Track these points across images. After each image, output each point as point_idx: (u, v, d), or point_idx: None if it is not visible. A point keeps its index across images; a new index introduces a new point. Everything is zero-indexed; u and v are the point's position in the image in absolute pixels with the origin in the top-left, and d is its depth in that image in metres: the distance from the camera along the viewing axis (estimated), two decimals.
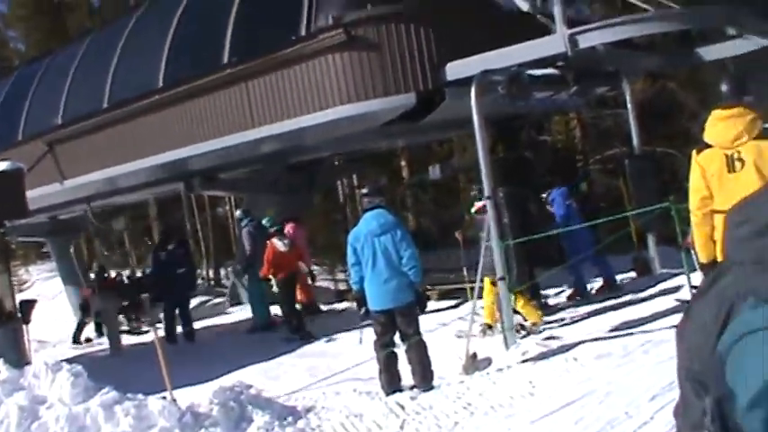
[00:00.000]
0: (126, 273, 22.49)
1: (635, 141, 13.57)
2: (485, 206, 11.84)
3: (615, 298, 12.94)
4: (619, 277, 14.11)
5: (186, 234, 23.96)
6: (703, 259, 6.48)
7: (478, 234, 12.18)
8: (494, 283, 11.56)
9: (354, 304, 10.81)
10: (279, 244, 15.08)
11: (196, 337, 16.58)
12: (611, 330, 10.96)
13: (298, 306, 15.84)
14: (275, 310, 16.16)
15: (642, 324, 11.06)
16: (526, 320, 11.83)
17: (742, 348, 1.24)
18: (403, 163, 24.92)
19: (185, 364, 13.02)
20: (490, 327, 12.02)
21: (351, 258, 9.66)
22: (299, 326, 15.06)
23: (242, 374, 12.15)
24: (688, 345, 1.40)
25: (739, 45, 12.48)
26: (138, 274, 23.91)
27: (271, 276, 15.13)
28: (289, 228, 16.18)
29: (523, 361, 10.00)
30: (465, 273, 13.85)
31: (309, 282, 16.97)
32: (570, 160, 21.42)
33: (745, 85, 6.78)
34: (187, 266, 17.36)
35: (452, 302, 14.82)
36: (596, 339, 10.48)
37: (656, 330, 10.44)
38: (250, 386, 10.28)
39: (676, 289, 12.14)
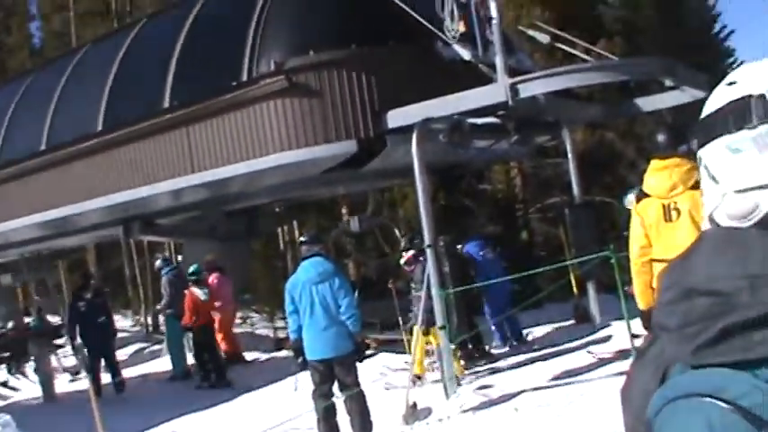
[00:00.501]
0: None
1: (575, 190, 13.66)
2: (413, 257, 11.92)
3: (554, 347, 12.93)
4: (558, 325, 14.11)
5: (101, 283, 23.48)
6: (642, 306, 6.55)
7: (409, 285, 12.29)
8: (424, 333, 11.71)
9: (292, 353, 10.62)
10: (198, 292, 15.41)
11: (131, 385, 16.21)
12: (552, 379, 10.93)
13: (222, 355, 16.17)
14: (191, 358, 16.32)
15: (582, 373, 11.06)
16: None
17: (667, 416, 1.21)
18: (344, 210, 24.81)
19: (120, 413, 12.72)
20: (419, 377, 11.95)
21: (288, 307, 9.54)
22: (218, 374, 15.23)
23: (178, 424, 11.92)
24: (632, 407, 1.36)
25: (676, 96, 12.68)
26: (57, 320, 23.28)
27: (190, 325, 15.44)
28: (213, 278, 16.28)
29: (464, 411, 9.92)
30: (400, 323, 13.77)
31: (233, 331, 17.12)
32: (510, 209, 21.50)
33: (681, 136, 6.86)
34: (106, 316, 16.60)
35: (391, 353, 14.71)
36: (537, 389, 10.43)
37: (597, 379, 10.44)
38: None
39: (614, 337, 12.19)
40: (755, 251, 1.23)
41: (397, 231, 18.17)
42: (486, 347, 13.46)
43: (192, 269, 15.72)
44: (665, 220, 6.25)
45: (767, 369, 1.16)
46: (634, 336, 12.28)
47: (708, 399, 1.16)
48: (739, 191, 1.32)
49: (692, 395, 1.18)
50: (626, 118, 18.05)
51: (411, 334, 12.08)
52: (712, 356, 1.19)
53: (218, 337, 16.48)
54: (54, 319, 19.88)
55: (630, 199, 12.56)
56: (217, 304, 16.01)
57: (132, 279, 29.64)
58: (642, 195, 6.46)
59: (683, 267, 1.31)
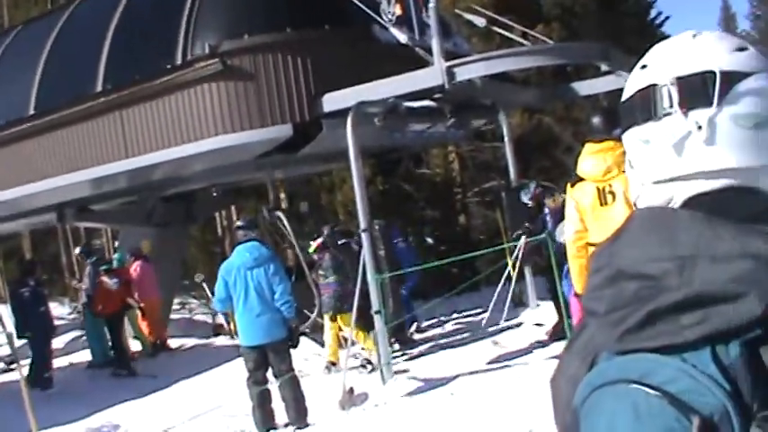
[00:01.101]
0: None
1: (512, 174, 13.71)
2: (321, 245, 12.00)
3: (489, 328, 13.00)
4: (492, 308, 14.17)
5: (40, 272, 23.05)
6: (579, 290, 6.54)
7: (318, 272, 12.39)
8: (332, 319, 12.16)
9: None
10: (108, 282, 15.40)
11: (64, 375, 15.90)
12: (488, 363, 10.98)
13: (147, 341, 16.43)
14: None
15: (518, 356, 11.12)
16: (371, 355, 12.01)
17: (593, 404, 1.19)
18: (282, 195, 24.66)
19: (51, 403, 12.53)
20: (334, 364, 12.12)
21: (219, 292, 9.42)
22: (120, 363, 15.24)
23: (110, 414, 11.75)
24: (560, 397, 1.34)
25: (611, 81, 12.75)
26: None
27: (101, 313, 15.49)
28: (135, 266, 16.18)
29: (401, 396, 9.90)
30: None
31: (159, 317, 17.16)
32: (449, 193, 21.54)
33: (615, 119, 6.85)
34: (46, 306, 15.83)
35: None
36: (473, 373, 10.46)
37: (532, 363, 10.50)
38: (117, 426, 9.94)
39: (548, 320, 12.30)
40: (683, 232, 1.21)
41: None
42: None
43: (115, 257, 15.59)
44: (600, 203, 6.22)
45: (695, 353, 1.14)
46: (537, 324, 12.55)
47: (634, 385, 1.13)
48: (655, 182, 1.32)
49: (618, 381, 1.16)
50: (563, 102, 18.17)
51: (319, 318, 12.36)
52: (638, 342, 1.17)
53: (143, 324, 16.41)
54: None
55: (528, 193, 12.82)
56: (136, 294, 15.93)
57: (69, 266, 29.22)
58: (577, 179, 6.43)
59: (611, 250, 1.27)
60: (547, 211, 12.07)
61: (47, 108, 14.36)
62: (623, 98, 1.36)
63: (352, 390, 10.22)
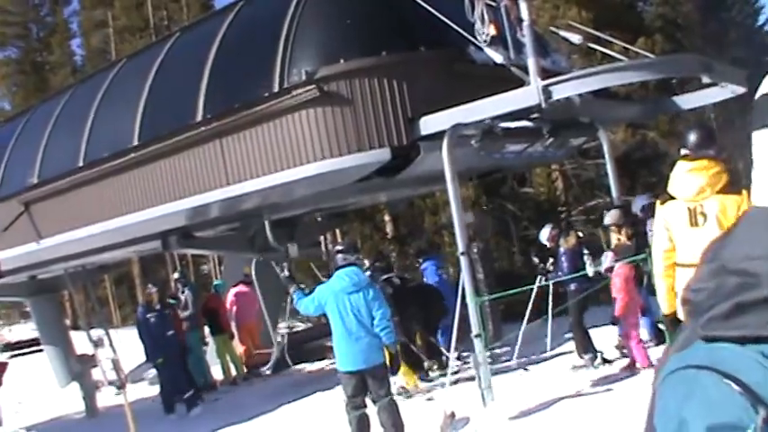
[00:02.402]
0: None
1: (614, 191, 13.46)
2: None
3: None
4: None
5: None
6: (665, 310, 6.36)
7: None
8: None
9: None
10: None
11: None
12: (594, 385, 10.78)
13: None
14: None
15: (628, 378, 10.90)
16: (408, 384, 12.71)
17: (666, 386, 1.22)
18: (387, 218, 24.75)
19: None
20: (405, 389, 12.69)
21: (309, 306, 9.47)
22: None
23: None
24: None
25: (716, 93, 12.45)
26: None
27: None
28: (233, 292, 16.66)
29: (503, 419, 9.78)
30: None
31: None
32: (553, 212, 21.30)
33: (713, 136, 6.64)
34: (175, 329, 15.95)
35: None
36: (579, 395, 10.30)
37: (643, 385, 10.26)
38: None
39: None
40: None
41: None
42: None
43: (215, 283, 15.91)
44: (690, 224, 5.98)
45: None
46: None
47: (709, 371, 1.14)
48: None
49: (695, 367, 1.17)
50: (667, 116, 17.80)
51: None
52: (723, 330, 1.18)
53: (242, 349, 16.74)
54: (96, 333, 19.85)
55: (545, 234, 12.75)
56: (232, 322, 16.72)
57: (176, 291, 29.77)
58: (667, 197, 6.22)
59: (719, 246, 1.28)
60: (562, 251, 11.98)
61: (149, 138, 14.69)
62: (759, 93, 1.29)
63: (453, 414, 10.12)
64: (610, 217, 12.19)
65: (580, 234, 12.90)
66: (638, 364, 11.15)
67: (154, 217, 14.86)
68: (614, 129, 17.47)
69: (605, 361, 12.06)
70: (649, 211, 12.08)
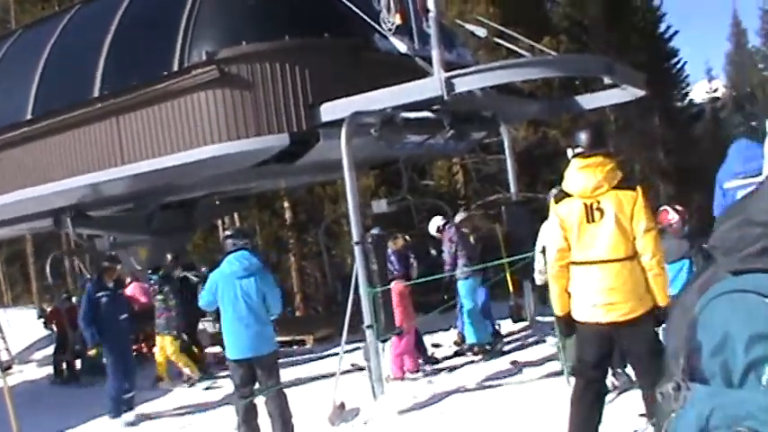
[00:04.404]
0: None
1: (512, 187, 13.52)
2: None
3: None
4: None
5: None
6: (558, 312, 6.26)
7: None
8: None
9: None
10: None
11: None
12: (484, 380, 10.78)
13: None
14: None
15: (514, 374, 10.92)
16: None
17: (711, 308, 1.47)
18: (286, 204, 24.55)
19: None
20: (161, 380, 14.31)
21: (207, 296, 9.20)
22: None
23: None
24: (672, 326, 1.65)
25: (617, 95, 12.59)
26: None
27: None
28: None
29: (392, 412, 9.71)
30: None
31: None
32: (453, 205, 21.37)
33: (603, 135, 6.66)
34: (128, 312, 13.23)
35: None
36: (468, 390, 10.28)
37: (529, 381, 10.31)
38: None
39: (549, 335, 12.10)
40: None
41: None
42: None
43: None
44: (587, 220, 5.93)
45: None
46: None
47: (750, 293, 1.41)
48: None
49: (736, 291, 1.44)
50: (569, 116, 17.99)
51: None
52: (757, 263, 1.46)
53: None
54: None
55: (433, 225, 13.00)
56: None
57: (72, 271, 29.15)
58: (562, 195, 6.15)
59: (744, 202, 1.56)
60: (390, 252, 12.14)
61: (44, 113, 14.25)
62: None
63: (343, 405, 10.01)
64: (433, 224, 13.16)
65: (407, 237, 13.04)
66: (389, 373, 11.36)
67: (46, 194, 14.41)
68: (516, 125, 17.58)
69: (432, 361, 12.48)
70: (443, 231, 12.80)
